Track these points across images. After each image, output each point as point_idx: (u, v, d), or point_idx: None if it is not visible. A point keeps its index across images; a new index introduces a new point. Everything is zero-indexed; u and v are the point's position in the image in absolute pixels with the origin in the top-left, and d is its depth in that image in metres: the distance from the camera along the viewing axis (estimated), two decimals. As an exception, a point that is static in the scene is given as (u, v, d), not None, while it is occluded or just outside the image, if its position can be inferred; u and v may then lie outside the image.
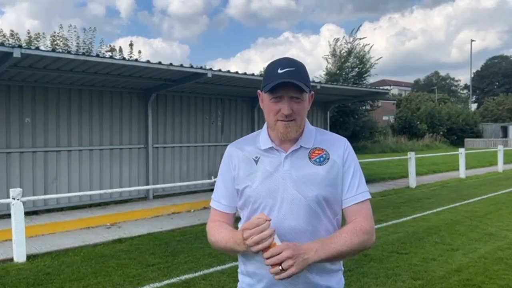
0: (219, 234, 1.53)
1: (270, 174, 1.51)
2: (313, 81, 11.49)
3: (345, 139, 1.60)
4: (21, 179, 8.00)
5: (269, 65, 1.52)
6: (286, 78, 1.42)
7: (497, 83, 63.87)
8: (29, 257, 5.47)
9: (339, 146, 1.55)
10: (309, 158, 1.52)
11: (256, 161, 1.54)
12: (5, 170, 7.87)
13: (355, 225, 1.48)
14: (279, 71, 1.45)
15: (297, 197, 1.47)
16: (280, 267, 1.31)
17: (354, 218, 1.51)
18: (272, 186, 1.49)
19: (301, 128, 1.52)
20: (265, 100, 1.52)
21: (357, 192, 1.52)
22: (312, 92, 1.55)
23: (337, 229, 1.53)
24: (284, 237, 1.41)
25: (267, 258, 1.33)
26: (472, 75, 56.24)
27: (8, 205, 5.64)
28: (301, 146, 1.53)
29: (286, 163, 1.51)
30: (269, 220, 1.34)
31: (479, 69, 67.33)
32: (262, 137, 1.58)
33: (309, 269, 1.41)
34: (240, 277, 1.62)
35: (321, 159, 1.51)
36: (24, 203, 5.54)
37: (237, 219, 1.65)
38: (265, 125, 1.60)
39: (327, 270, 1.51)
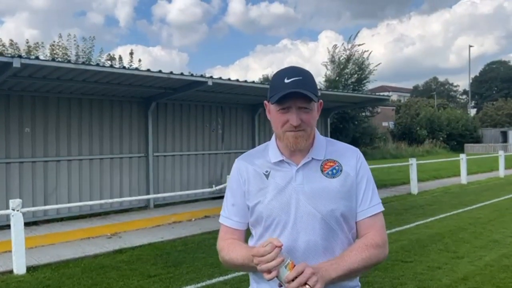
0: (234, 252, 1.47)
1: (282, 189, 1.45)
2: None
3: (356, 149, 1.55)
4: (21, 190, 7.94)
5: (275, 75, 1.47)
6: (293, 88, 1.37)
7: (495, 88, 63.99)
8: (29, 269, 5.40)
9: (351, 157, 1.50)
10: (322, 171, 1.46)
11: (267, 176, 1.48)
12: (5, 180, 7.81)
13: (366, 241, 1.43)
14: (286, 80, 1.40)
15: (311, 212, 1.42)
16: (307, 286, 1.25)
17: (366, 232, 1.46)
18: (285, 201, 1.44)
19: (311, 138, 1.47)
20: (272, 111, 1.46)
21: (370, 205, 1.47)
22: (321, 101, 1.50)
23: (352, 243, 1.48)
24: (299, 254, 1.37)
25: (292, 280, 1.26)
26: (471, 81, 56.42)
27: (7, 216, 5.59)
28: (312, 158, 1.48)
29: (298, 177, 1.45)
30: (280, 246, 1.28)
31: (478, 74, 67.52)
32: (271, 150, 1.52)
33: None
34: None
35: (334, 171, 1.46)
36: (23, 214, 5.47)
37: (248, 233, 1.59)
38: (273, 137, 1.55)
39: (344, 287, 1.45)
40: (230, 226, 1.55)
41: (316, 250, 1.41)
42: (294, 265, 1.30)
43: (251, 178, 1.51)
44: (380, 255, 1.43)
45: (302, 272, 1.26)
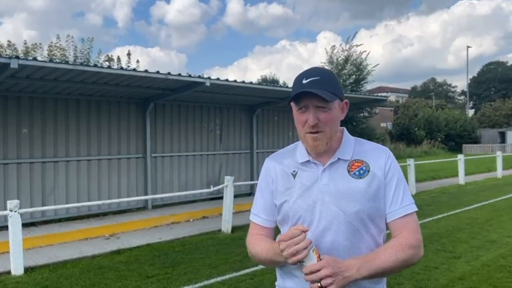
0: (259, 246, 1.50)
1: (308, 189, 1.46)
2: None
3: (386, 149, 1.53)
4: (19, 191, 7.93)
5: (297, 76, 1.49)
6: (309, 87, 1.39)
7: (493, 89, 64.14)
8: (27, 270, 5.40)
9: (380, 157, 1.48)
10: (348, 171, 1.45)
11: (294, 175, 1.50)
12: (2, 181, 7.80)
13: (400, 240, 1.41)
14: (304, 81, 1.42)
15: (336, 212, 1.41)
16: (319, 284, 1.27)
17: (399, 232, 1.44)
18: (310, 201, 1.45)
19: (333, 139, 1.46)
20: (293, 111, 1.48)
21: (401, 205, 1.44)
22: (346, 100, 1.50)
23: (381, 245, 1.46)
24: (323, 253, 1.37)
25: (306, 274, 1.30)
26: (469, 81, 56.51)
27: (5, 217, 5.58)
28: (338, 159, 1.47)
29: (324, 177, 1.46)
30: (306, 231, 1.31)
31: (476, 75, 67.63)
32: (299, 150, 1.53)
33: (349, 286, 1.36)
34: None
35: (361, 171, 1.45)
36: (21, 215, 5.47)
37: (277, 232, 1.62)
38: None
39: None
40: (258, 223, 1.58)
41: (340, 250, 1.41)
42: (319, 254, 1.33)
43: (279, 177, 1.53)
44: (414, 256, 1.41)
45: (317, 270, 1.28)
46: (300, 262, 1.31)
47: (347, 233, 1.42)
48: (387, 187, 1.45)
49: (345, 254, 1.41)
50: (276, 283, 1.59)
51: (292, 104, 1.47)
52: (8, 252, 5.43)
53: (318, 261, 1.31)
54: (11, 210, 5.35)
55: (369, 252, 1.42)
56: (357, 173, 1.45)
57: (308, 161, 1.49)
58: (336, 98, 1.44)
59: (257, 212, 1.59)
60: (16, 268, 5.30)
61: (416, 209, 1.48)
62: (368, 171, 1.45)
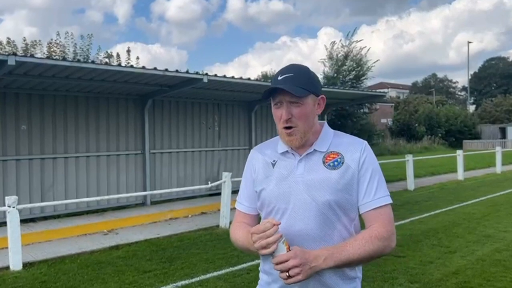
0: (238, 234, 1.58)
1: (284, 178, 1.52)
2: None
3: (364, 141, 1.56)
4: (18, 187, 7.97)
5: (276, 73, 1.56)
6: (282, 84, 1.45)
7: (494, 85, 64.00)
8: (25, 265, 5.45)
9: (355, 150, 1.51)
10: (323, 162, 1.50)
11: (273, 165, 1.57)
12: (1, 178, 7.84)
13: (370, 232, 1.45)
14: (279, 77, 1.48)
15: (308, 201, 1.47)
16: (287, 274, 1.33)
17: (371, 224, 1.48)
18: (286, 189, 1.51)
19: (308, 133, 1.51)
20: (272, 106, 1.55)
21: (374, 198, 1.48)
22: (322, 96, 1.55)
23: (353, 234, 1.50)
24: (294, 242, 1.42)
25: (276, 264, 1.35)
26: (470, 77, 56.44)
27: (4, 213, 5.62)
28: (315, 150, 1.52)
29: (300, 167, 1.51)
30: (277, 225, 1.36)
31: (477, 70, 67.49)
32: (280, 141, 1.59)
33: (324, 273, 1.43)
34: (260, 274, 1.65)
35: (336, 163, 1.49)
36: (20, 210, 5.52)
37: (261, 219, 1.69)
38: None
39: (343, 276, 1.49)
40: (242, 210, 1.66)
41: (312, 238, 1.46)
42: (289, 245, 1.38)
43: (260, 166, 1.60)
44: (384, 248, 1.44)
45: (285, 261, 1.33)
46: (271, 254, 1.37)
47: (319, 222, 1.46)
48: (361, 180, 1.49)
49: (317, 242, 1.45)
50: (259, 267, 1.66)
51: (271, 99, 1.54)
52: (6, 247, 5.47)
53: (287, 252, 1.36)
54: (9, 206, 5.39)
55: (341, 240, 1.46)
56: (331, 164, 1.49)
57: (286, 152, 1.56)
58: (308, 94, 1.48)
59: (241, 200, 1.67)
60: (15, 263, 5.35)
61: (390, 201, 1.51)
62: (342, 163, 1.49)
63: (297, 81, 1.46)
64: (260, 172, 1.59)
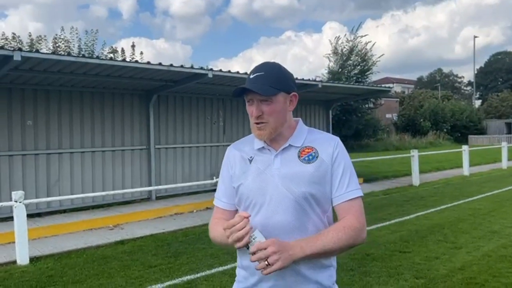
0: (216, 230, 1.61)
1: (261, 172, 1.57)
2: (314, 80, 11.47)
3: (336, 138, 1.64)
4: (24, 182, 8.02)
5: (250, 71, 1.61)
6: (252, 83, 1.52)
7: (501, 79, 63.55)
8: (32, 260, 5.49)
9: (328, 145, 1.59)
10: (299, 157, 1.57)
11: (250, 161, 1.62)
12: (8, 173, 7.89)
13: (343, 223, 1.51)
14: (251, 76, 1.55)
15: (285, 194, 1.52)
16: (266, 262, 1.36)
17: (344, 215, 1.54)
18: (263, 183, 1.56)
19: (278, 129, 1.57)
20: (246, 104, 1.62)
21: (346, 190, 1.55)
22: (294, 93, 1.60)
23: (327, 225, 1.57)
24: (273, 233, 1.47)
25: (253, 254, 1.39)
26: (476, 72, 56.05)
27: (11, 207, 5.66)
28: (290, 145, 1.59)
29: (276, 162, 1.57)
30: (247, 217, 1.41)
31: (483, 65, 67.03)
32: (256, 138, 1.64)
33: (299, 263, 1.47)
34: (237, 270, 1.68)
35: (310, 157, 1.56)
36: (26, 205, 5.55)
37: None
38: None
39: (318, 265, 1.55)
40: (220, 206, 1.69)
41: (289, 229, 1.51)
42: (264, 238, 1.42)
43: (237, 162, 1.65)
44: (357, 239, 1.51)
45: (264, 249, 1.37)
46: (246, 247, 1.41)
47: (295, 213, 1.52)
48: (334, 173, 1.56)
49: (293, 233, 1.51)
50: (237, 264, 1.69)
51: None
52: (13, 242, 5.52)
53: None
54: (16, 201, 5.43)
55: (316, 231, 1.53)
56: (306, 158, 1.56)
57: (263, 148, 1.61)
58: (276, 92, 1.53)
59: (219, 196, 1.71)
60: (22, 257, 5.39)
61: (361, 194, 1.58)
62: (317, 157, 1.56)
63: (267, 79, 1.52)
64: (237, 168, 1.64)
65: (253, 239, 1.40)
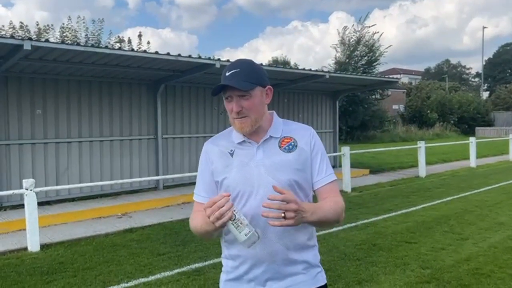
0: (196, 220, 1.64)
1: (246, 164, 1.64)
2: (322, 71, 11.44)
3: (310, 127, 1.75)
4: (34, 170, 8.11)
5: (224, 69, 1.65)
6: (228, 80, 1.57)
7: (509, 71, 62.90)
8: (43, 247, 5.59)
9: (305, 135, 1.70)
10: (279, 147, 1.66)
11: (232, 154, 1.68)
12: (18, 161, 7.99)
13: (335, 199, 1.64)
14: (227, 74, 1.59)
15: (271, 182, 1.58)
16: (283, 214, 1.41)
17: (327, 195, 1.66)
18: (248, 174, 1.62)
19: (258, 122, 1.63)
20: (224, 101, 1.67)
21: (326, 174, 1.69)
22: (269, 86, 1.67)
23: None
24: (261, 220, 1.52)
25: (271, 205, 1.42)
26: (484, 63, 55.42)
27: (21, 195, 5.75)
28: (270, 136, 1.67)
29: (259, 153, 1.65)
30: (228, 196, 1.45)
31: (491, 56, 66.31)
32: (234, 133, 1.70)
33: (287, 247, 1.59)
34: (223, 261, 1.74)
35: (290, 146, 1.66)
36: (36, 193, 5.63)
37: None
38: None
39: (304, 246, 1.65)
40: (200, 201, 1.72)
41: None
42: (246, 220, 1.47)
43: (216, 157, 1.70)
44: (342, 214, 1.65)
45: (289, 202, 1.42)
46: (229, 227, 1.44)
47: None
48: (313, 160, 1.68)
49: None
50: (222, 255, 1.75)
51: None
52: (24, 229, 5.61)
53: (246, 224, 1.44)
54: (26, 189, 5.51)
55: None
56: (287, 147, 1.66)
57: (243, 141, 1.68)
58: (254, 87, 1.60)
59: (198, 191, 1.74)
60: (33, 244, 5.49)
61: (336, 177, 1.72)
62: (296, 146, 1.67)
63: (243, 75, 1.57)
64: (218, 163, 1.68)
65: (236, 213, 1.43)
